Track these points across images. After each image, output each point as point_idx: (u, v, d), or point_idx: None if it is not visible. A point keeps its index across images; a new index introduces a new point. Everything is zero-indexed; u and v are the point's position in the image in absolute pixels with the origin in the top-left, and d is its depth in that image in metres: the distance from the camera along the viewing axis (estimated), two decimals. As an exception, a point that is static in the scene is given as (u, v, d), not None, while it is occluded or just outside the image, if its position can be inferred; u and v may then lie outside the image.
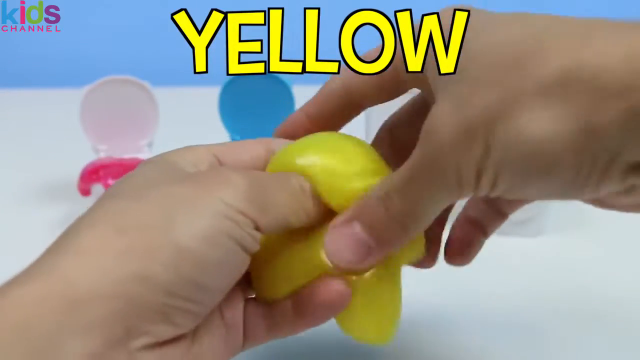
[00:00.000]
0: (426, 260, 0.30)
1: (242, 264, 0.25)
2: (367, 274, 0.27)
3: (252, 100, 0.52)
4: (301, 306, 0.28)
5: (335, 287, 0.27)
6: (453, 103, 0.22)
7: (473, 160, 0.22)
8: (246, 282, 0.29)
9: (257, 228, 0.24)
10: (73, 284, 0.21)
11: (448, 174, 0.22)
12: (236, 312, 0.28)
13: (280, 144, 0.30)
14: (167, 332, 0.23)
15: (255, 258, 0.29)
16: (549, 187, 0.22)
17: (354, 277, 0.27)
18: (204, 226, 0.23)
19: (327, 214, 0.27)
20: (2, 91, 0.88)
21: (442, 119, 0.22)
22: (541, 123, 0.20)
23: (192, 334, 0.25)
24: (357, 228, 0.25)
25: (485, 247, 0.48)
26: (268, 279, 0.28)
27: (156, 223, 0.23)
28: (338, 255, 0.26)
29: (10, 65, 0.94)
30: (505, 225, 0.48)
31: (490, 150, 0.21)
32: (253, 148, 0.29)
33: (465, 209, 0.31)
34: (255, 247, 0.25)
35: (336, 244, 0.26)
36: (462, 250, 0.31)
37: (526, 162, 0.21)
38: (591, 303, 0.41)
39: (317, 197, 0.27)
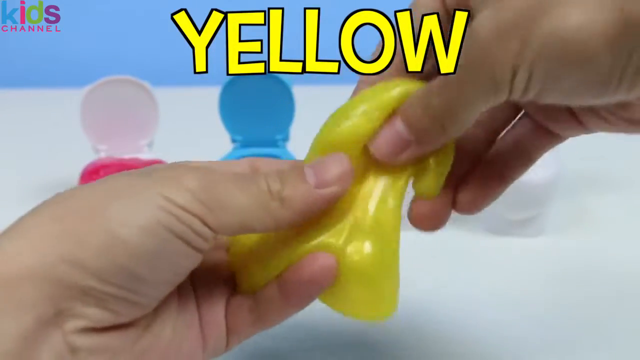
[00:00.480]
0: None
1: (188, 259, 0.25)
2: (356, 246, 0.27)
3: (252, 100, 0.52)
4: (287, 286, 0.27)
5: (320, 260, 0.27)
6: (492, 8, 0.23)
7: (508, 56, 0.22)
8: (229, 279, 0.30)
9: (209, 227, 0.24)
10: (4, 265, 0.22)
11: (484, 72, 0.23)
12: (216, 309, 0.28)
13: (265, 162, 0.30)
14: (105, 317, 0.23)
15: (242, 252, 0.29)
16: (583, 84, 0.22)
17: (338, 249, 0.27)
18: (139, 216, 0.23)
19: (315, 219, 0.27)
20: (2, 91, 0.88)
21: (482, 22, 0.23)
22: (578, 14, 0.21)
23: (144, 326, 0.25)
24: (398, 124, 0.26)
25: (485, 247, 0.48)
26: (254, 272, 0.28)
27: (91, 210, 0.23)
28: (377, 147, 0.27)
29: (10, 65, 0.94)
30: (505, 225, 0.49)
31: (526, 46, 0.22)
32: (241, 162, 0.30)
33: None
34: (204, 245, 0.25)
35: (379, 138, 0.26)
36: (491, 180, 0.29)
37: (561, 55, 0.21)
38: (591, 303, 0.41)
39: (299, 203, 0.26)
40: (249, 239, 0.29)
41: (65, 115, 0.61)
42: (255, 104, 0.52)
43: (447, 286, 0.43)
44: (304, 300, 0.28)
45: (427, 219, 0.28)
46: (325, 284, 0.27)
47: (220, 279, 0.30)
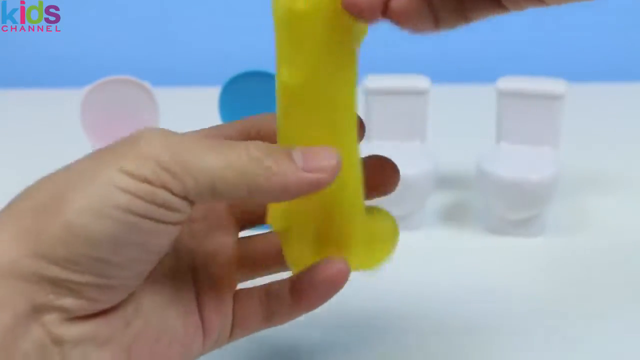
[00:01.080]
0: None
1: (158, 236, 0.24)
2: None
3: (252, 100, 0.51)
4: (300, 287, 0.28)
5: (335, 265, 0.27)
6: None
7: None
8: (240, 266, 0.30)
9: (177, 195, 0.23)
10: None
11: None
12: (221, 297, 0.28)
13: (263, 118, 0.31)
14: (82, 305, 0.23)
15: (279, 217, 0.28)
16: None
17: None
18: (94, 202, 0.23)
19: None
20: (2, 91, 0.88)
21: None
22: None
23: (132, 312, 0.25)
24: None
25: (485, 246, 0.48)
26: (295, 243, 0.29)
27: (50, 203, 0.23)
28: None
29: (10, 65, 0.94)
30: (505, 225, 0.49)
31: None
32: (239, 122, 0.31)
33: None
34: (175, 217, 0.24)
35: None
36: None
37: None
38: (591, 303, 0.41)
39: (279, 178, 0.24)
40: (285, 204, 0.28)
41: (65, 115, 0.61)
42: (255, 104, 0.52)
43: (447, 286, 0.43)
44: (315, 302, 0.28)
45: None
46: (340, 286, 0.28)
47: (228, 265, 0.29)
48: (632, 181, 0.59)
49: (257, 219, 0.31)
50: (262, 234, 0.31)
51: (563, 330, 0.38)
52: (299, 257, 0.29)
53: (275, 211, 0.29)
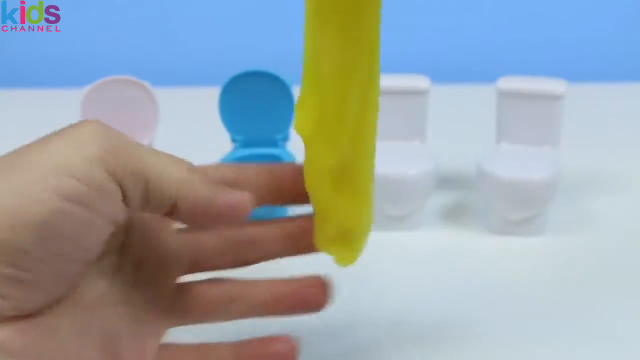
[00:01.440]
0: None
1: (86, 228, 0.23)
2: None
3: (252, 100, 0.51)
4: (245, 356, 0.28)
5: (285, 343, 0.28)
6: None
7: None
8: (172, 318, 0.28)
9: (110, 174, 0.23)
10: None
11: None
12: (144, 350, 0.27)
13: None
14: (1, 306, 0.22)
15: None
16: None
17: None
18: (18, 184, 0.22)
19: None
20: (2, 91, 0.88)
21: None
22: None
23: (48, 331, 0.24)
24: None
25: (485, 246, 0.48)
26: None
27: None
28: None
29: (10, 65, 0.94)
30: (505, 225, 0.49)
31: None
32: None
33: None
34: (107, 206, 0.23)
35: None
36: None
37: None
38: (592, 303, 0.41)
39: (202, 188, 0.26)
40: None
41: (65, 115, 0.60)
42: (255, 104, 0.52)
43: (447, 286, 0.43)
44: None
45: None
46: None
47: (164, 311, 0.28)
48: (632, 181, 0.59)
49: (209, 265, 0.30)
50: (206, 280, 0.30)
51: (563, 330, 0.38)
52: (320, 174, 0.28)
53: (302, 114, 0.28)
